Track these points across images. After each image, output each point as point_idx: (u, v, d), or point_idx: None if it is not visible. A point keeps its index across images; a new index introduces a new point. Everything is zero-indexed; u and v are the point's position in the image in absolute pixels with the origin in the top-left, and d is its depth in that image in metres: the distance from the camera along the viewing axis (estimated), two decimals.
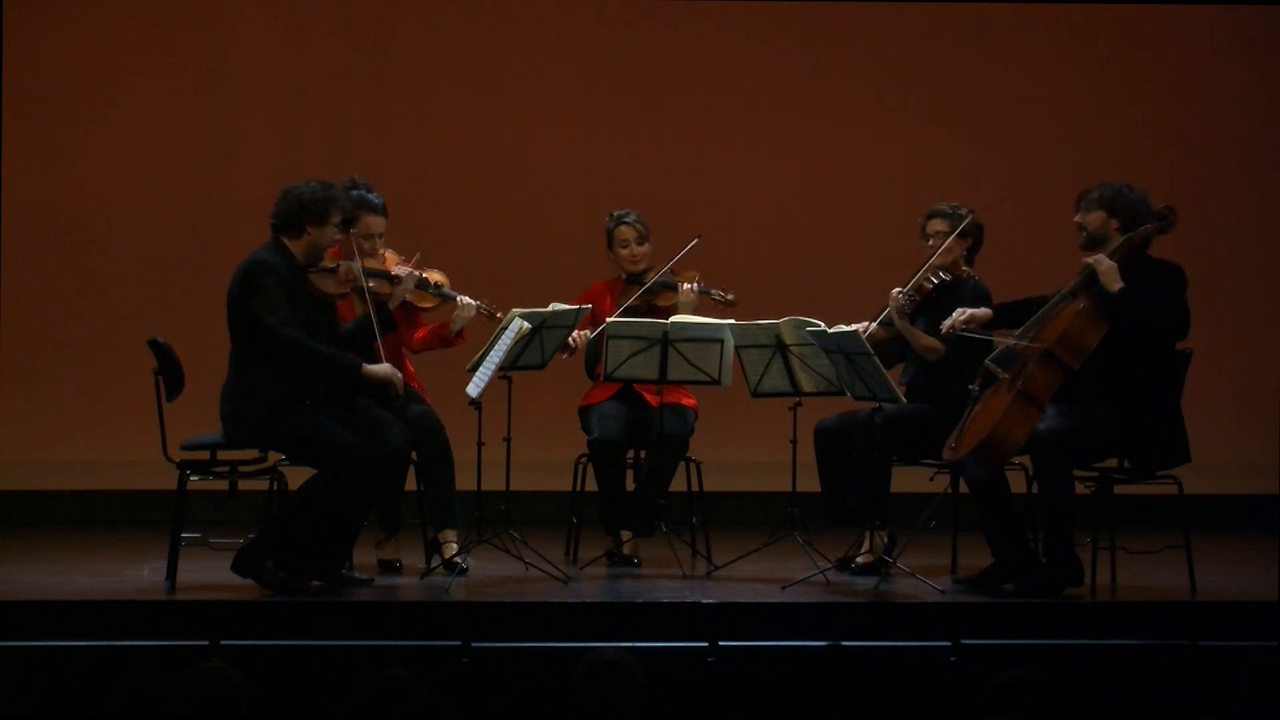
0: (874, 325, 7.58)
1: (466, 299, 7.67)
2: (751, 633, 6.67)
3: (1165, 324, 7.05)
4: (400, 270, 7.49)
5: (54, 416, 9.66)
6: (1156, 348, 7.10)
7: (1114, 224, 7.18)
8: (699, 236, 7.95)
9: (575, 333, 7.76)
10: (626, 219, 8.09)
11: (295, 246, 7.15)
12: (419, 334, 7.81)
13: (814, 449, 7.67)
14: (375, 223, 7.62)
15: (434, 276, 7.71)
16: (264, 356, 7.05)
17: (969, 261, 7.74)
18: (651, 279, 8.01)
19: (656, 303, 8.00)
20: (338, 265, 7.26)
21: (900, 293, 7.60)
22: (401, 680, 4.65)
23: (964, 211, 7.66)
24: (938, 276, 7.64)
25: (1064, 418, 7.08)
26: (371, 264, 7.45)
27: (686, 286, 7.92)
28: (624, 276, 8.11)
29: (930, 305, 7.65)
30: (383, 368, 7.22)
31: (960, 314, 7.31)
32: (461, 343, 7.78)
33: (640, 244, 8.06)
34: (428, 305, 7.71)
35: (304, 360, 7.06)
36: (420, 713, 4.61)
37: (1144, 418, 7.10)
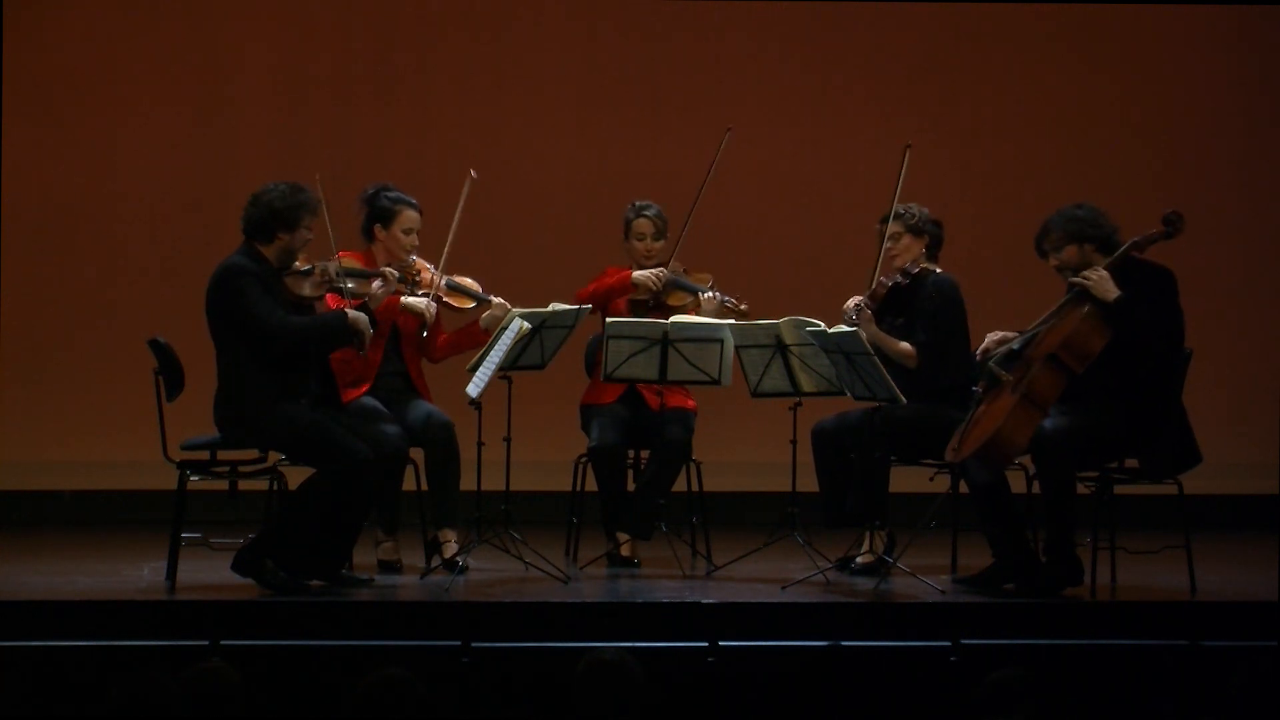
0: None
1: (499, 299, 7.72)
2: (751, 633, 6.67)
3: (1162, 335, 7.05)
4: (386, 269, 7.46)
5: (54, 416, 9.67)
6: (1158, 351, 7.10)
7: (1089, 248, 7.18)
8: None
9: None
10: (646, 212, 8.08)
11: (267, 251, 7.15)
12: (442, 339, 7.83)
13: (811, 451, 7.67)
14: (415, 217, 7.71)
15: (465, 281, 7.75)
16: (254, 355, 7.04)
17: (933, 258, 7.73)
18: (666, 275, 7.99)
19: (667, 300, 7.98)
20: (313, 267, 7.23)
21: (853, 301, 7.59)
22: (402, 680, 4.65)
23: (914, 209, 7.66)
24: (892, 279, 7.64)
25: (1066, 418, 7.08)
26: (348, 263, 7.44)
27: (708, 295, 7.88)
28: (634, 268, 8.10)
29: (893, 306, 7.65)
30: (360, 315, 7.17)
31: (992, 338, 7.26)
32: (487, 339, 7.78)
33: (656, 239, 8.06)
34: (466, 306, 7.74)
35: (299, 339, 7.05)
36: (420, 713, 4.60)
37: (1148, 419, 7.10)
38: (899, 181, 7.63)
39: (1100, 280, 7.04)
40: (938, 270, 7.70)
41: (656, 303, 7.97)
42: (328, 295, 7.35)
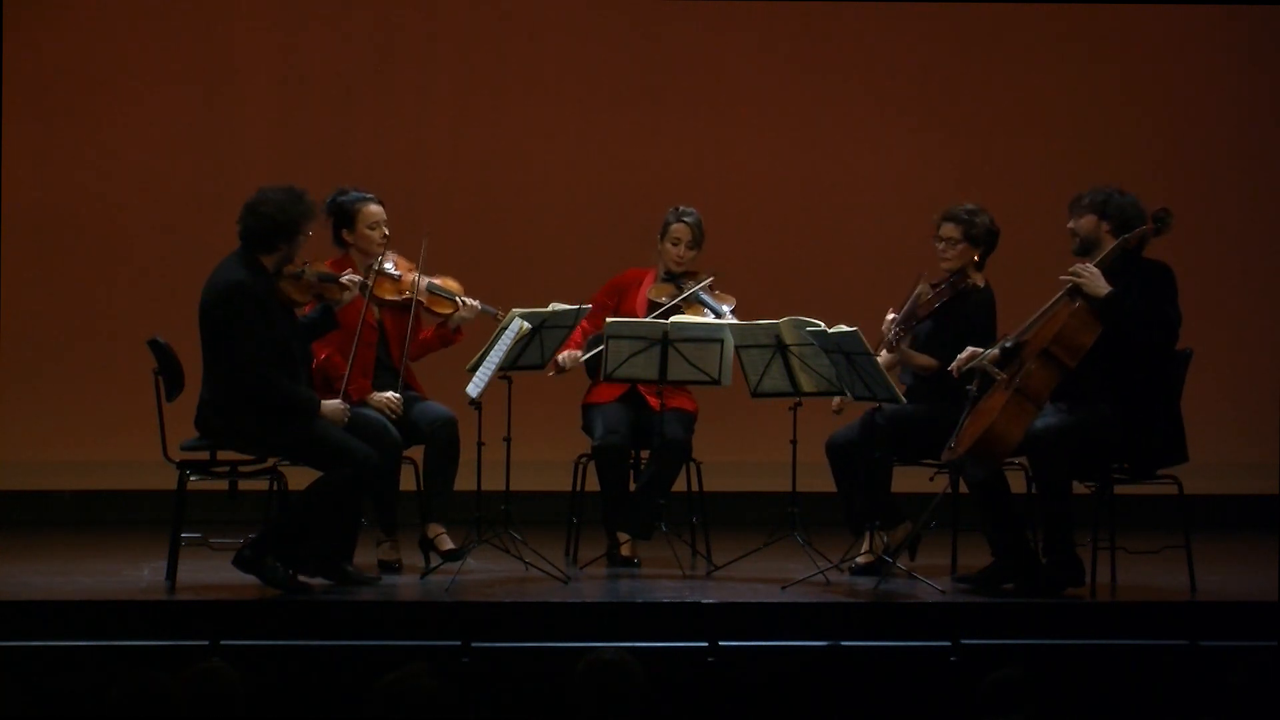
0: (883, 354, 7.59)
1: (471, 301, 7.72)
2: (751, 633, 6.67)
3: (1154, 332, 7.05)
4: (349, 278, 7.44)
5: (54, 416, 9.67)
6: (1153, 349, 7.10)
7: (1105, 227, 7.18)
8: (712, 277, 7.95)
9: (564, 354, 7.78)
10: (686, 217, 8.07)
11: (267, 260, 7.15)
12: (421, 337, 7.82)
13: (829, 465, 7.63)
14: (376, 211, 7.68)
15: (449, 283, 7.75)
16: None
17: (980, 265, 7.70)
18: (692, 286, 7.98)
19: (687, 311, 7.96)
20: (302, 270, 7.24)
21: (893, 322, 7.56)
22: (418, 680, 4.63)
23: (980, 218, 7.62)
24: (939, 298, 7.55)
25: (1061, 416, 7.09)
26: (319, 268, 7.42)
27: (727, 318, 7.87)
28: (661, 270, 8.10)
29: (933, 315, 7.63)
30: (334, 405, 7.19)
31: (967, 354, 7.26)
32: (460, 338, 7.80)
33: (690, 248, 8.05)
34: (446, 311, 7.74)
35: (268, 397, 7.05)
36: (436, 712, 4.59)
37: (1142, 416, 7.10)
38: (907, 303, 7.58)
39: (1091, 277, 7.04)
40: (981, 285, 7.64)
41: (676, 312, 7.95)
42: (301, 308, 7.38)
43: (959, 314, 7.57)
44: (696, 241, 8.06)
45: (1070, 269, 7.10)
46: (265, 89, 9.82)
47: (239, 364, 7.02)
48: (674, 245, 8.07)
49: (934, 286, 7.62)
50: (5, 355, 9.62)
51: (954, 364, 7.28)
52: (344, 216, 7.68)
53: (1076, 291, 7.07)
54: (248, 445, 7.20)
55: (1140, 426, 7.10)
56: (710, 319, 7.87)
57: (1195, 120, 10.02)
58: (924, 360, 7.58)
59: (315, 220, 7.22)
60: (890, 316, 7.60)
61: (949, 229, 7.63)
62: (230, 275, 7.09)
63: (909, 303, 7.58)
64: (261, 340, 7.01)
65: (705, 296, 8.01)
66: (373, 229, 7.67)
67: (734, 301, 8.03)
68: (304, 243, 7.21)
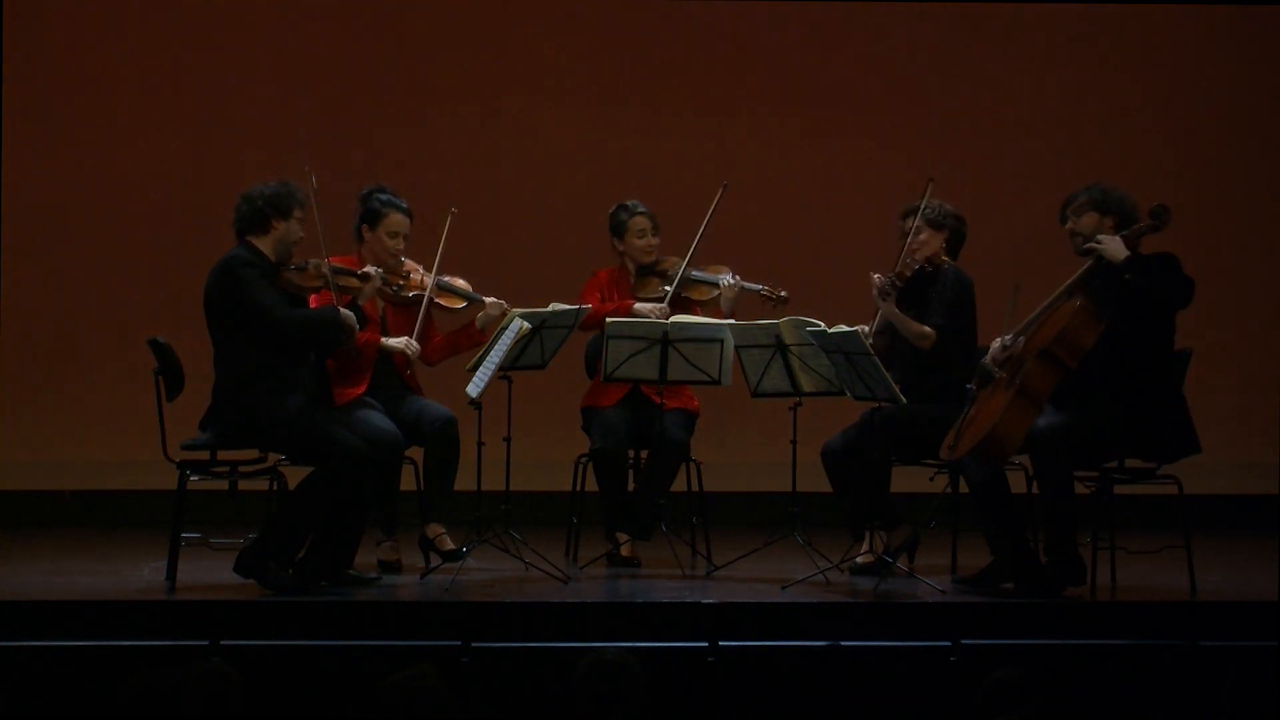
0: (871, 335, 7.56)
1: (494, 299, 7.74)
2: (751, 633, 6.67)
3: (1172, 292, 7.04)
4: (369, 269, 7.48)
5: (54, 416, 9.67)
6: (1158, 341, 7.09)
7: (1108, 222, 7.18)
8: (725, 184, 7.96)
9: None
10: (640, 209, 8.09)
11: (264, 244, 7.17)
12: (437, 341, 7.83)
13: (825, 472, 7.64)
14: (401, 221, 7.69)
15: (456, 282, 7.76)
16: (257, 347, 7.04)
17: (953, 254, 7.72)
18: (678, 268, 7.99)
19: (691, 295, 7.98)
20: (307, 263, 7.26)
21: (880, 276, 7.59)
22: (426, 680, 4.63)
23: (942, 206, 7.66)
24: (916, 263, 7.64)
25: (1063, 415, 7.08)
26: (339, 262, 7.45)
27: (729, 281, 7.90)
28: (632, 267, 8.10)
29: (912, 294, 7.65)
30: (348, 313, 7.23)
31: (996, 346, 7.25)
32: (485, 339, 7.78)
33: (655, 235, 8.08)
34: (457, 306, 7.75)
35: (302, 331, 7.10)
36: (443, 711, 4.59)
37: (1147, 411, 7.09)
38: (922, 204, 7.60)
39: (1111, 241, 7.04)
40: (953, 264, 7.69)
41: (676, 299, 7.96)
42: (312, 296, 7.37)
43: (939, 285, 7.59)
44: (657, 227, 8.09)
45: (1090, 240, 7.08)
46: (266, 88, 9.82)
47: (256, 317, 7.02)
48: (640, 238, 8.08)
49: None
50: (5, 355, 9.63)
51: (989, 355, 7.23)
52: (370, 215, 7.69)
53: (1083, 282, 7.05)
54: (249, 433, 7.15)
55: (1148, 421, 7.09)
56: (715, 284, 7.91)
57: (1196, 119, 10.02)
58: (920, 329, 7.57)
59: (305, 209, 7.21)
60: (881, 276, 7.61)
61: (910, 221, 7.68)
62: (227, 255, 7.14)
63: (898, 264, 7.62)
64: (273, 294, 7.06)
65: (698, 273, 8.01)
66: (392, 237, 7.68)
67: (728, 269, 8.03)
68: (299, 234, 7.19)
